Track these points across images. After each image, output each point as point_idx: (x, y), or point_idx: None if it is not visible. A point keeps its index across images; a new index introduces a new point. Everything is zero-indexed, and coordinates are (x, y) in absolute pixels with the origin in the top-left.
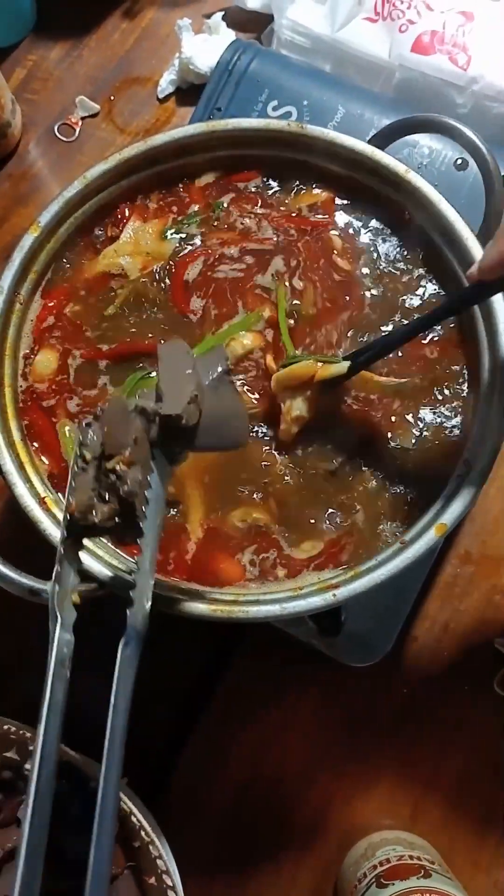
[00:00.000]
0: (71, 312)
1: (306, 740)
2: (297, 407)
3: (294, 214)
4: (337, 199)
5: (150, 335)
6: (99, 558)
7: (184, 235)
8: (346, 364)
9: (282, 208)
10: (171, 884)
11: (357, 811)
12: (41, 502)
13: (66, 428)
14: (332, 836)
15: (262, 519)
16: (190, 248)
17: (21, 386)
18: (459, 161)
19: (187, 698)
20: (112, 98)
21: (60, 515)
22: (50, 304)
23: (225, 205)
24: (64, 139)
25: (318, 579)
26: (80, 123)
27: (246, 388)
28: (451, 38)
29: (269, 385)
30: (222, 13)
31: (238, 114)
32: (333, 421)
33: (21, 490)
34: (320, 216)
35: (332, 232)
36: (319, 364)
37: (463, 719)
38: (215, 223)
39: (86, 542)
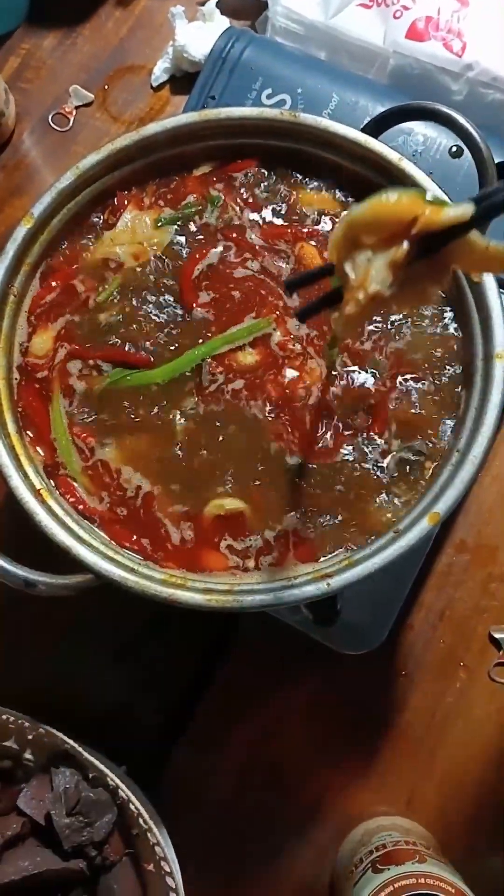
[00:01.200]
0: (63, 297)
1: (304, 729)
2: (378, 273)
3: (287, 219)
4: (334, 192)
5: (145, 329)
6: (95, 549)
7: (179, 227)
8: (470, 208)
9: (277, 220)
10: (168, 870)
11: (354, 798)
12: (36, 494)
13: (60, 402)
14: (329, 822)
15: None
16: (189, 243)
17: (16, 377)
18: (454, 148)
19: (186, 687)
20: (106, 87)
21: (56, 507)
22: (53, 284)
23: (222, 198)
24: (58, 129)
25: (313, 568)
26: (74, 113)
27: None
28: (445, 24)
29: (272, 394)
30: (216, 0)
31: (232, 102)
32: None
33: (17, 482)
34: (313, 226)
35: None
36: (428, 204)
37: (458, 707)
38: (213, 216)
39: (81, 532)
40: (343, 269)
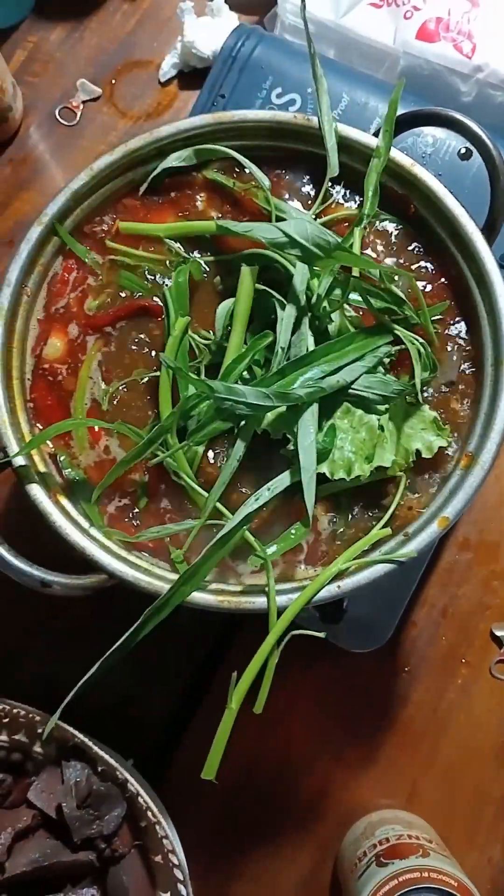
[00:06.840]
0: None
1: (308, 723)
2: None
3: None
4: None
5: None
6: (108, 550)
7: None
8: None
9: None
10: (176, 862)
11: (356, 791)
12: (51, 493)
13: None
14: (331, 815)
15: None
16: None
17: (28, 377)
18: (463, 150)
19: (190, 682)
20: (113, 81)
21: (68, 505)
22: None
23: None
24: (65, 123)
25: (324, 570)
26: (81, 107)
27: None
28: (456, 25)
29: None
30: None
31: (242, 101)
32: None
33: (35, 490)
34: None
35: None
36: None
37: (459, 702)
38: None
39: (94, 532)
40: None
